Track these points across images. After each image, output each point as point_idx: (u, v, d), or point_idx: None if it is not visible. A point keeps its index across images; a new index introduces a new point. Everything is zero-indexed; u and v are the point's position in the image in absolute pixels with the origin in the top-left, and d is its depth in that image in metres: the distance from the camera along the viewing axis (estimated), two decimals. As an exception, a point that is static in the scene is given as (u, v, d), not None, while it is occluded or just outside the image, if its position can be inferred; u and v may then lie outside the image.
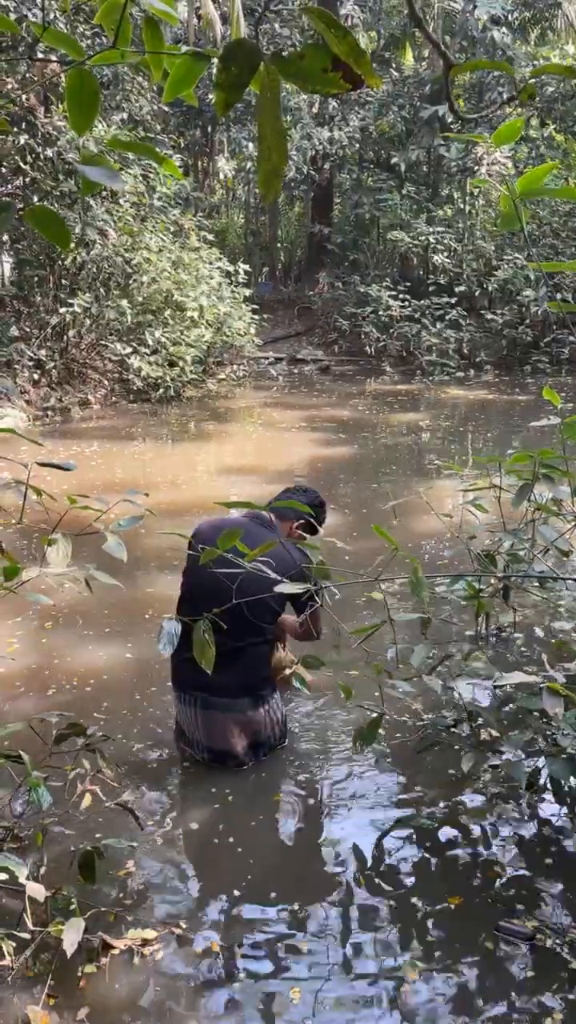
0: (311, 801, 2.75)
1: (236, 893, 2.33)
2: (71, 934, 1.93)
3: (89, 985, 2.00)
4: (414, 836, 2.56)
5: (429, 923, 2.21)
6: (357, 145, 16.64)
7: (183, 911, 2.26)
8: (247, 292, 12.65)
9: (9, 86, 9.30)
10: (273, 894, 2.33)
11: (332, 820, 2.66)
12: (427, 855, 2.48)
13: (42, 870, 2.29)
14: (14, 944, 2.02)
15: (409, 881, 2.37)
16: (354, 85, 1.15)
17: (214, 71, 1.15)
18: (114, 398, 10.87)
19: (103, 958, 2.07)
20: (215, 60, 1.20)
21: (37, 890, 1.96)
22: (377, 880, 2.37)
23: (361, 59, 1.13)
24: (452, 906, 2.26)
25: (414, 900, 2.29)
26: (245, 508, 2.23)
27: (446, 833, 2.56)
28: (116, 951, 2.09)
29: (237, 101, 1.17)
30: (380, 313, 14.38)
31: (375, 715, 2.48)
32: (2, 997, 1.96)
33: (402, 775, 2.87)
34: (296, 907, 2.27)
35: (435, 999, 1.97)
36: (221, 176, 20.47)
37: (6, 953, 2.01)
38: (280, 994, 1.98)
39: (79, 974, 2.02)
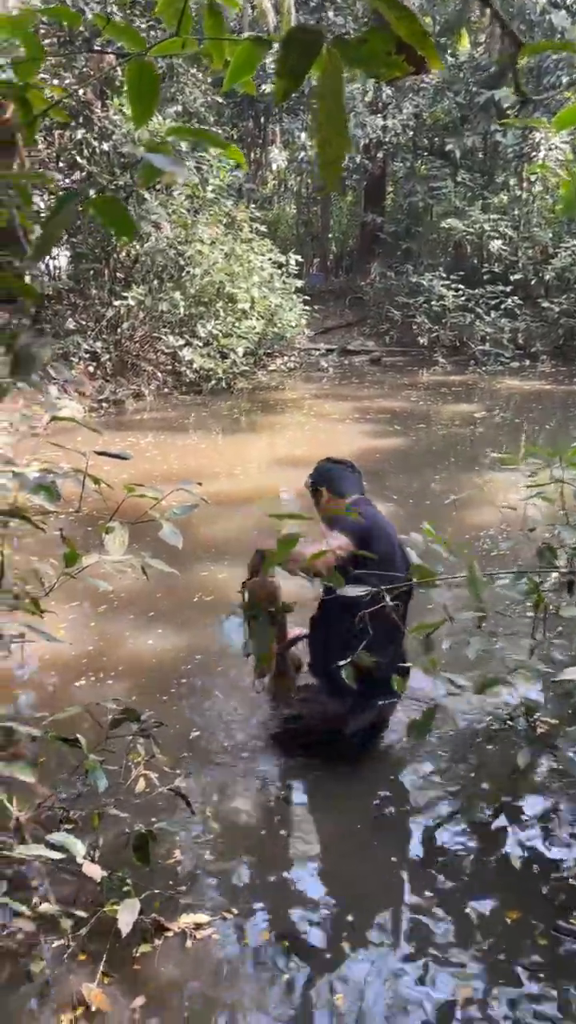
0: (364, 792, 2.74)
1: (286, 884, 2.34)
2: (126, 914, 1.96)
3: (143, 966, 2.04)
4: (469, 830, 2.53)
5: (484, 923, 2.19)
6: (411, 133, 16.44)
7: (234, 898, 2.28)
8: (299, 283, 12.62)
9: (67, 80, 9.42)
10: (323, 886, 2.33)
11: (385, 812, 2.65)
12: (482, 850, 2.45)
13: (97, 852, 2.33)
14: (71, 922, 2.06)
15: (463, 877, 2.35)
16: (417, 68, 1.13)
17: (269, 60, 1.14)
18: (166, 390, 10.98)
19: (156, 940, 2.10)
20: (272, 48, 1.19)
21: (94, 871, 2.00)
22: (431, 874, 2.36)
23: (424, 41, 1.11)
24: (508, 919, 2.22)
25: (468, 898, 2.27)
26: (296, 519, 2.28)
27: (501, 827, 2.53)
28: (169, 933, 2.12)
29: (297, 88, 1.16)
30: (433, 303, 14.20)
31: (429, 707, 2.46)
32: (59, 974, 2.00)
33: (457, 768, 2.84)
34: (346, 902, 2.26)
35: (488, 1003, 1.95)
36: (273, 167, 20.44)
37: (63, 931, 2.05)
38: (328, 1000, 1.95)
39: (134, 954, 2.06)
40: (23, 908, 2.06)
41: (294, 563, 2.40)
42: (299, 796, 2.72)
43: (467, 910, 2.22)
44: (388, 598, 2.15)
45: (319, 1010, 1.92)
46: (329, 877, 2.38)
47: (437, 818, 2.59)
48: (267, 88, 13.82)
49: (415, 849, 2.46)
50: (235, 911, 2.22)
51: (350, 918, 2.20)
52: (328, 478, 3.00)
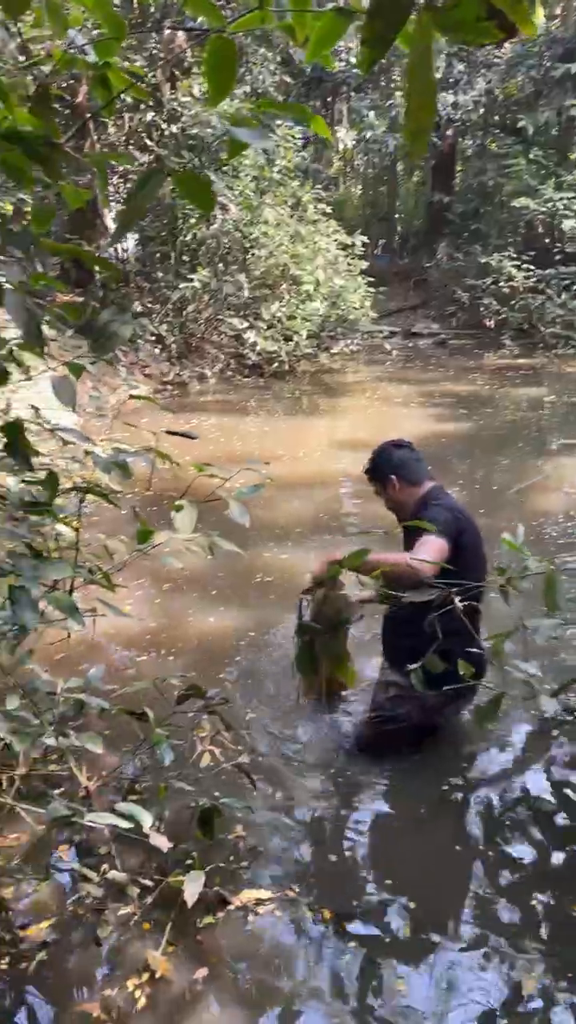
0: (430, 777, 2.72)
1: (348, 864, 2.35)
2: (192, 886, 2.00)
3: (206, 937, 2.07)
4: (535, 819, 2.49)
5: (548, 914, 2.16)
6: (482, 109, 16.02)
7: (295, 876, 2.29)
8: (364, 265, 12.48)
9: (137, 62, 9.48)
10: (385, 868, 2.33)
11: (451, 798, 2.62)
12: (547, 840, 2.41)
13: (162, 824, 2.37)
14: (137, 890, 2.11)
15: (527, 867, 2.32)
16: (508, 34, 1.09)
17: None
18: (229, 372, 11.02)
19: (219, 913, 2.13)
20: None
21: (161, 841, 2.04)
22: (495, 863, 2.33)
23: (517, 5, 1.08)
24: (574, 911, 2.18)
25: (532, 889, 2.23)
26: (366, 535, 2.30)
27: (566, 817, 2.49)
28: (231, 907, 2.15)
29: (382, 57, 1.13)
30: (501, 284, 13.87)
31: (496, 694, 2.43)
32: (125, 941, 2.05)
33: (523, 756, 2.80)
34: (407, 886, 2.25)
35: (554, 996, 1.92)
36: (340, 147, 20.21)
37: (130, 898, 2.10)
38: (388, 985, 1.95)
39: (197, 926, 2.09)
40: (92, 874, 2.13)
41: (375, 564, 2.35)
42: (363, 777, 2.72)
43: (531, 901, 2.19)
44: (459, 600, 2.12)
45: (379, 994, 1.92)
46: (391, 860, 2.38)
47: (503, 806, 2.55)
48: (337, 66, 13.61)
49: (480, 836, 2.44)
50: (296, 889, 2.23)
51: (412, 904, 2.19)
52: (396, 465, 2.82)
